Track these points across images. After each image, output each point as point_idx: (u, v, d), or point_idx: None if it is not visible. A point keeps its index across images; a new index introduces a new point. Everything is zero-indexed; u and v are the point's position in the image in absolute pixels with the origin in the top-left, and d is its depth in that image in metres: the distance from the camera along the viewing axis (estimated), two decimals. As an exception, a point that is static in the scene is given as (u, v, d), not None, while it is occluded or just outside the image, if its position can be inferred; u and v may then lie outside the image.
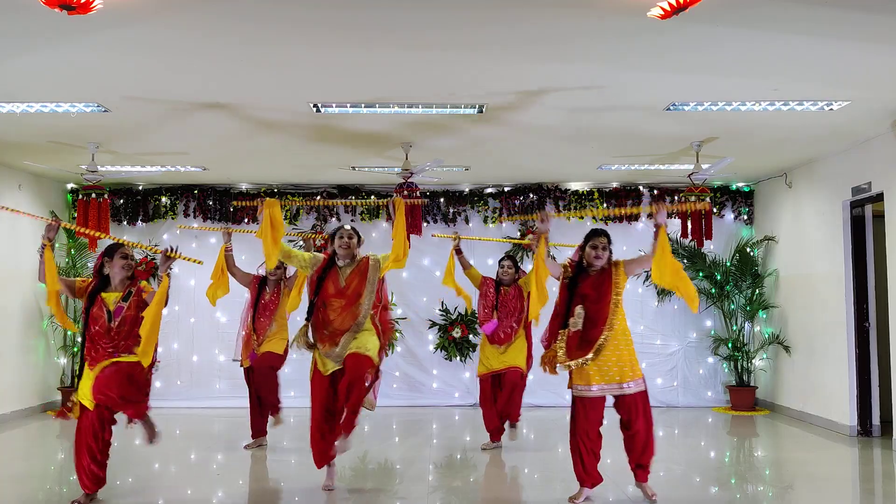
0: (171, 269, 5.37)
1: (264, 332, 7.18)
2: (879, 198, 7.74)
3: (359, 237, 5.72)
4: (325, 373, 5.53)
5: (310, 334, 5.60)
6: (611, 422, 5.49)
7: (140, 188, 10.54)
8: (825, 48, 5.13)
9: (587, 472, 5.43)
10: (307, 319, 5.59)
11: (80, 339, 5.30)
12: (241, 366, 7.43)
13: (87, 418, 5.16)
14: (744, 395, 9.96)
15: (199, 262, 5.41)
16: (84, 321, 5.18)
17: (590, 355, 5.29)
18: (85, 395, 5.14)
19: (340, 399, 5.47)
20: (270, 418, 7.40)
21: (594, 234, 5.49)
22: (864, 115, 6.87)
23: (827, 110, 6.60)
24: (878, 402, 8.18)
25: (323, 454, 5.61)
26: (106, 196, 8.12)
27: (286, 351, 7.29)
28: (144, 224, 10.59)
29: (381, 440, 8.17)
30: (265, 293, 7.28)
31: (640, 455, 5.43)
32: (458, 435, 8.68)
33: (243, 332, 7.40)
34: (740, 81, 5.86)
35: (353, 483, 6.31)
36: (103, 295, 5.20)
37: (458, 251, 7.49)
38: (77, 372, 5.27)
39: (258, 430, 7.43)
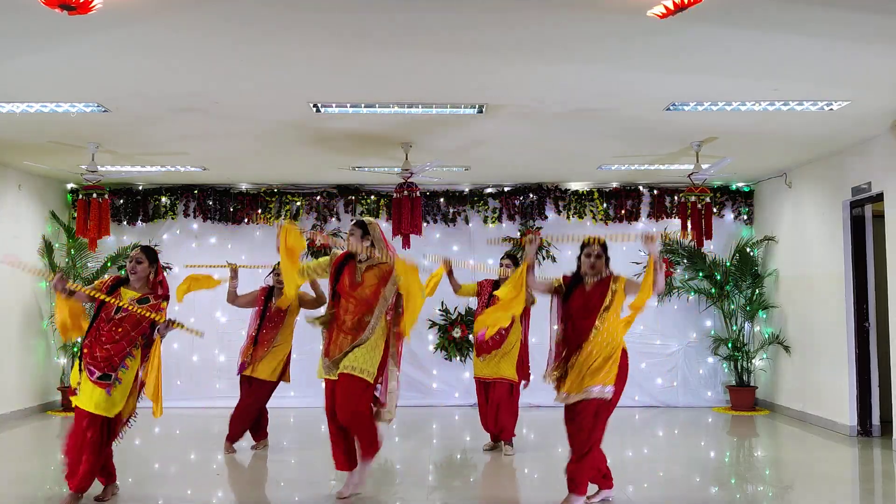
0: (164, 333, 5.25)
1: (269, 345, 6.97)
2: (879, 198, 7.74)
3: (364, 230, 5.45)
4: (329, 378, 5.37)
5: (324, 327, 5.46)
6: (611, 420, 5.47)
7: (140, 188, 10.53)
8: (825, 48, 5.13)
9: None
10: (330, 309, 5.47)
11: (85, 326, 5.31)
12: (238, 373, 7.19)
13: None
14: (744, 395, 9.96)
15: (199, 334, 5.36)
16: (97, 307, 5.24)
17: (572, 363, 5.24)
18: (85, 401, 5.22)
19: (338, 419, 5.32)
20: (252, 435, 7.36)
21: (588, 242, 5.34)
22: (864, 115, 6.87)
23: (827, 110, 6.60)
24: (878, 402, 8.18)
25: (340, 459, 5.46)
26: (106, 196, 8.12)
27: (279, 379, 7.10)
28: (144, 224, 10.59)
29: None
30: (272, 304, 7.04)
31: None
32: (458, 435, 8.68)
33: (244, 342, 7.15)
34: (740, 81, 5.86)
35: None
36: (123, 289, 5.30)
37: (450, 273, 7.19)
38: (75, 367, 5.27)
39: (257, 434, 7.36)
